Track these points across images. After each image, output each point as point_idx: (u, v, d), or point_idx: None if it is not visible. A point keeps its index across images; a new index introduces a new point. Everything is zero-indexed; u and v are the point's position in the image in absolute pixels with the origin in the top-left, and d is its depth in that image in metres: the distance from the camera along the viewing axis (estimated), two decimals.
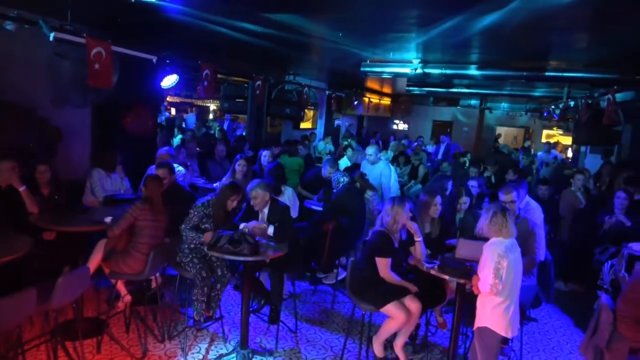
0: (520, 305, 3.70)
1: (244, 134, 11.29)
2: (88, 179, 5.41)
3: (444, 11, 4.54)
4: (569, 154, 15.46)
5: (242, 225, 4.30)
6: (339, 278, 5.71)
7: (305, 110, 11.66)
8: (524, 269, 4.08)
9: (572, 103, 8.84)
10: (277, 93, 9.76)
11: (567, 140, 16.14)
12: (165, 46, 6.09)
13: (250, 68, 8.89)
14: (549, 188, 6.93)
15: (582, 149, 11.83)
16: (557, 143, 17.09)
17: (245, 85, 9.77)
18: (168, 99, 14.70)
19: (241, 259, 3.88)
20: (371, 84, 13.78)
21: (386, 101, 18.16)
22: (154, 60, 5.88)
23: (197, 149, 8.09)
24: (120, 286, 4.46)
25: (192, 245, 4.26)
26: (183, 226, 4.23)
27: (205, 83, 6.48)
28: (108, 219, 4.31)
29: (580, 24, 4.60)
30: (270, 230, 4.35)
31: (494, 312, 3.34)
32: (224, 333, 4.53)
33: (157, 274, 4.47)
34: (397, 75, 7.68)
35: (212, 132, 11.94)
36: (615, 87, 6.34)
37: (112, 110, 6.05)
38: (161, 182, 4.44)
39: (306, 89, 10.20)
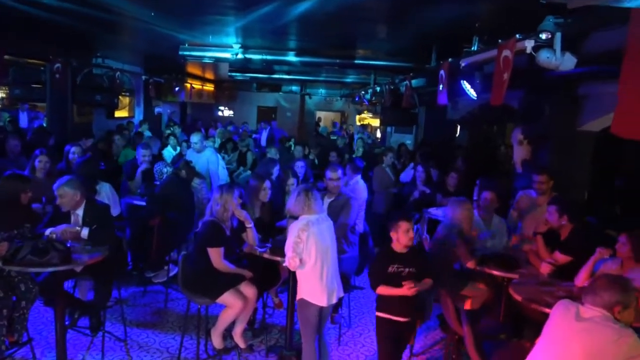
0: (344, 275, 4.02)
1: (43, 124, 9.77)
2: None
3: None
4: (378, 134, 17.38)
5: (48, 231, 3.73)
6: (171, 274, 5.41)
7: (120, 97, 10.62)
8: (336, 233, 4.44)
9: (378, 89, 9.84)
10: (84, 78, 8.64)
11: (376, 122, 18.12)
12: None
13: (47, 48, 7.67)
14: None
15: (388, 129, 13.38)
16: (367, 125, 19.04)
17: (42, 68, 8.42)
18: None
19: (50, 269, 3.36)
20: (193, 69, 13.24)
21: (210, 87, 17.72)
22: None
23: None
24: None
25: None
26: None
27: None
28: None
29: (380, 16, 5.10)
30: (85, 233, 3.88)
31: (308, 284, 3.53)
32: (34, 357, 3.89)
33: None
34: (217, 60, 7.48)
35: (1, 124, 10.05)
36: (410, 74, 7.26)
37: None
38: None
39: (118, 73, 9.27)
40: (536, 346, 2.54)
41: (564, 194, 4.72)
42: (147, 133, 10.57)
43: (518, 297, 3.46)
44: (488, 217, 4.75)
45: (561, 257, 3.95)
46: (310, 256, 3.47)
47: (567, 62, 3.14)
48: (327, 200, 4.69)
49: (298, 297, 3.58)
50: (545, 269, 3.99)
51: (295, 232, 3.47)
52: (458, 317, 3.58)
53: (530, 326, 3.62)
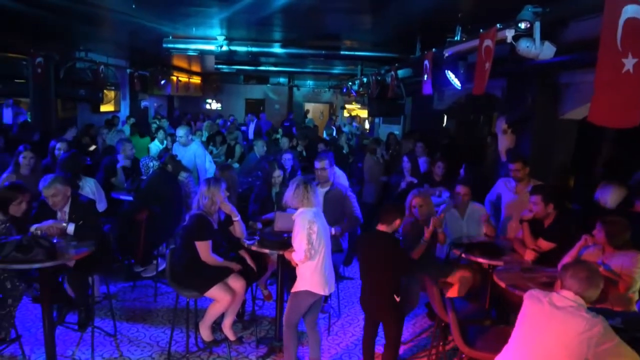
0: (334, 266, 4.05)
1: (28, 119, 9.65)
2: None
3: None
4: (367, 125, 17.40)
5: (33, 227, 3.71)
6: (160, 269, 5.41)
7: (105, 91, 10.51)
8: (349, 225, 4.53)
9: (365, 79, 9.84)
10: (67, 72, 8.53)
11: (364, 113, 18.13)
12: None
13: (27, 42, 7.55)
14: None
15: (377, 120, 13.40)
16: (356, 116, 19.07)
17: (24, 62, 8.29)
18: None
19: (36, 266, 3.35)
20: (178, 61, 13.12)
21: (196, 80, 17.59)
22: None
23: None
24: None
25: None
26: None
27: None
28: None
29: (363, 7, 5.09)
30: (70, 229, 3.86)
31: (313, 276, 3.57)
32: (23, 354, 3.89)
33: None
34: (202, 52, 7.43)
35: None
36: (396, 64, 7.27)
37: None
38: None
39: (102, 67, 9.16)
40: (512, 337, 2.60)
41: (548, 182, 4.78)
42: (127, 129, 10.51)
43: (502, 284, 3.52)
44: (462, 206, 4.80)
45: (545, 244, 4.02)
46: (319, 248, 3.52)
47: (547, 51, 3.18)
48: (322, 190, 4.68)
49: (301, 288, 3.59)
50: (529, 256, 4.05)
51: (305, 225, 3.47)
52: (443, 304, 3.63)
53: (516, 312, 3.70)
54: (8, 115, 10.68)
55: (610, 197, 4.29)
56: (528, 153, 5.22)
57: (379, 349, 3.81)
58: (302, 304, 3.62)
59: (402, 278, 3.63)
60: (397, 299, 3.52)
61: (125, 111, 12.58)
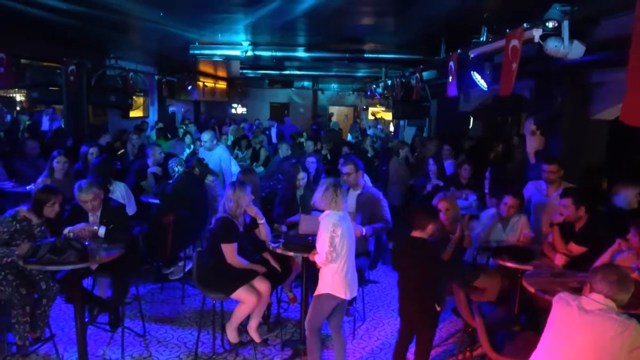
0: (359, 269, 4.04)
1: (62, 126, 9.98)
2: None
3: None
4: (391, 128, 17.30)
5: (66, 230, 3.84)
6: (187, 270, 5.50)
7: (134, 97, 10.78)
8: (382, 229, 4.50)
9: (389, 82, 9.78)
10: (98, 79, 8.80)
11: (389, 115, 18.02)
12: None
13: (60, 51, 7.81)
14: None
15: (401, 122, 13.31)
16: (381, 118, 18.97)
17: (58, 70, 8.59)
18: None
19: (69, 267, 3.46)
20: (205, 67, 13.35)
21: (222, 85, 17.83)
22: None
23: None
24: None
25: (4, 262, 3.64)
26: None
27: (1, 69, 5.50)
28: None
29: (387, 9, 5.08)
30: (102, 232, 3.97)
31: (334, 279, 3.56)
32: (57, 353, 4.02)
33: None
34: (228, 57, 7.55)
35: (21, 127, 10.29)
36: (420, 66, 7.21)
37: None
38: None
39: (131, 74, 9.40)
40: (541, 342, 2.54)
41: (578, 184, 4.65)
42: (154, 134, 10.68)
43: (531, 289, 3.44)
44: (507, 217, 4.62)
45: (576, 248, 3.92)
46: (341, 251, 3.51)
47: (576, 50, 3.10)
48: (354, 193, 4.67)
49: (322, 291, 3.59)
50: (560, 260, 3.95)
51: (329, 227, 3.47)
52: (470, 308, 3.57)
53: (546, 317, 3.61)
54: (46, 123, 11.08)
55: (624, 198, 4.19)
56: (557, 154, 5.09)
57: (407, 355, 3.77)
58: (324, 307, 3.61)
59: (441, 286, 3.51)
60: (438, 309, 3.43)
61: (153, 117, 12.86)
